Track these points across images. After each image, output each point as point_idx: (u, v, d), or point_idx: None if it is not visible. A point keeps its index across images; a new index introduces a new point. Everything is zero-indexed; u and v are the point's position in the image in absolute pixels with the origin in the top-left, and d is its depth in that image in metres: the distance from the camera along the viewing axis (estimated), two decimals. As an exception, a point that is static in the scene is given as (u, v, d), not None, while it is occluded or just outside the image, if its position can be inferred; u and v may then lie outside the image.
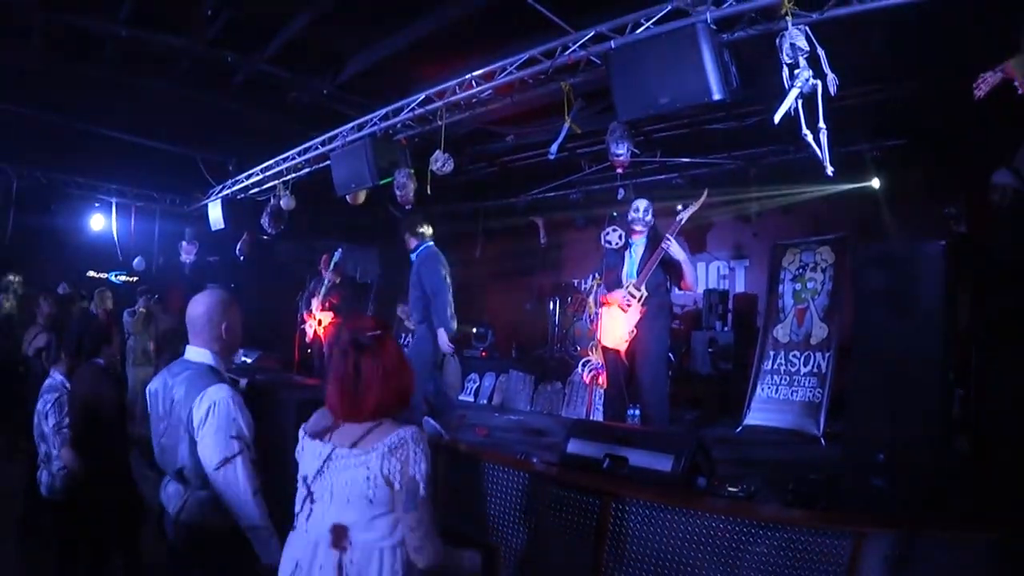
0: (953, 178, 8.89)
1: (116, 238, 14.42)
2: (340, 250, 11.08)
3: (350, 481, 2.79)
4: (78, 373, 5.25)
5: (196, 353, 3.60)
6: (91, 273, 14.55)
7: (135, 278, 14.78)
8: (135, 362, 11.29)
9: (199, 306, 3.63)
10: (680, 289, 7.54)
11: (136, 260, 14.68)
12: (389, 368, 2.95)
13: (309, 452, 2.94)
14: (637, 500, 4.57)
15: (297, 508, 2.97)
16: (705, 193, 7.52)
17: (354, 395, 2.90)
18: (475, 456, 5.67)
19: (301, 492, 2.94)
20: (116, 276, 14.94)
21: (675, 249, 7.10)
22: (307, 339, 11.58)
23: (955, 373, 5.79)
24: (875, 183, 10.42)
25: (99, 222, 14.47)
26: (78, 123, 11.52)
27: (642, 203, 7.45)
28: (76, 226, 14.39)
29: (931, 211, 9.19)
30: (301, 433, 3.04)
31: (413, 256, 8.35)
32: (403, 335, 13.65)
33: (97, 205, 14.41)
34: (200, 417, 3.31)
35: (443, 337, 8.04)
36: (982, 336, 6.31)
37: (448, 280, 8.23)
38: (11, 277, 11.80)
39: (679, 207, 7.45)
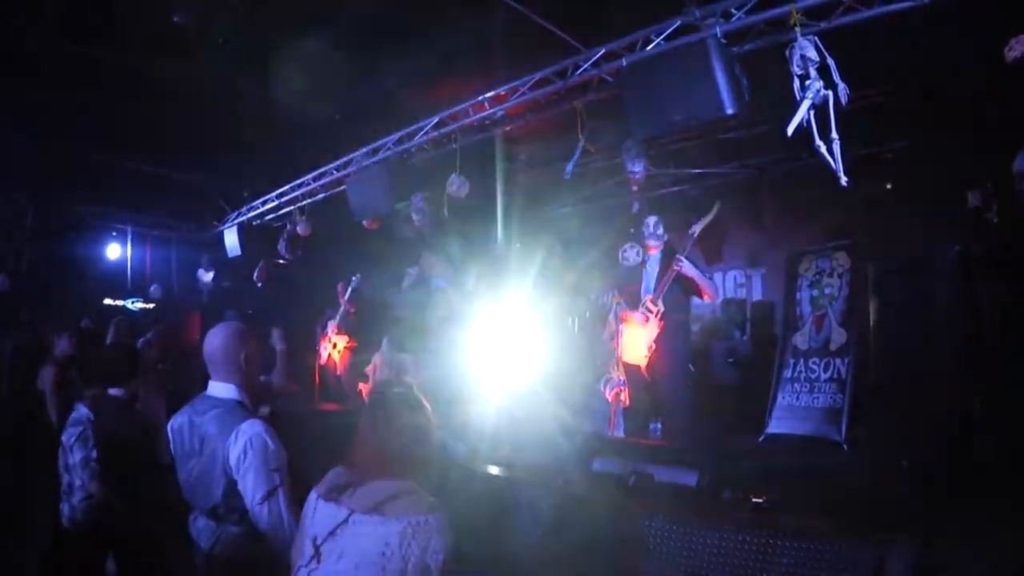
0: (971, 171, 8.84)
1: (129, 267, 14.48)
2: (357, 276, 11.12)
3: (364, 549, 2.74)
4: (101, 407, 5.30)
5: (220, 388, 3.61)
6: (107, 301, 14.60)
7: (152, 305, 14.85)
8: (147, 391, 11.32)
9: (215, 340, 3.64)
10: (701, 298, 7.56)
11: (153, 288, 14.73)
12: (420, 424, 2.98)
13: (322, 514, 2.89)
14: (664, 516, 4.59)
15: (298, 563, 2.90)
16: (716, 207, 7.55)
17: (377, 449, 2.94)
18: (501, 477, 5.70)
19: (307, 550, 2.87)
20: (133, 303, 15.00)
21: (687, 267, 7.14)
22: (321, 362, 11.63)
23: (977, 371, 5.79)
24: (888, 184, 10.36)
25: (115, 251, 14.55)
26: (91, 153, 11.58)
27: (652, 219, 7.49)
28: (92, 255, 14.47)
29: (946, 210, 9.18)
30: (314, 495, 2.99)
31: (442, 282, 8.42)
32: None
33: (114, 234, 14.49)
34: (238, 454, 3.31)
35: None
36: (1004, 332, 6.30)
37: None
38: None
39: (693, 221, 7.48)
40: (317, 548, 2.82)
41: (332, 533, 2.81)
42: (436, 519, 2.79)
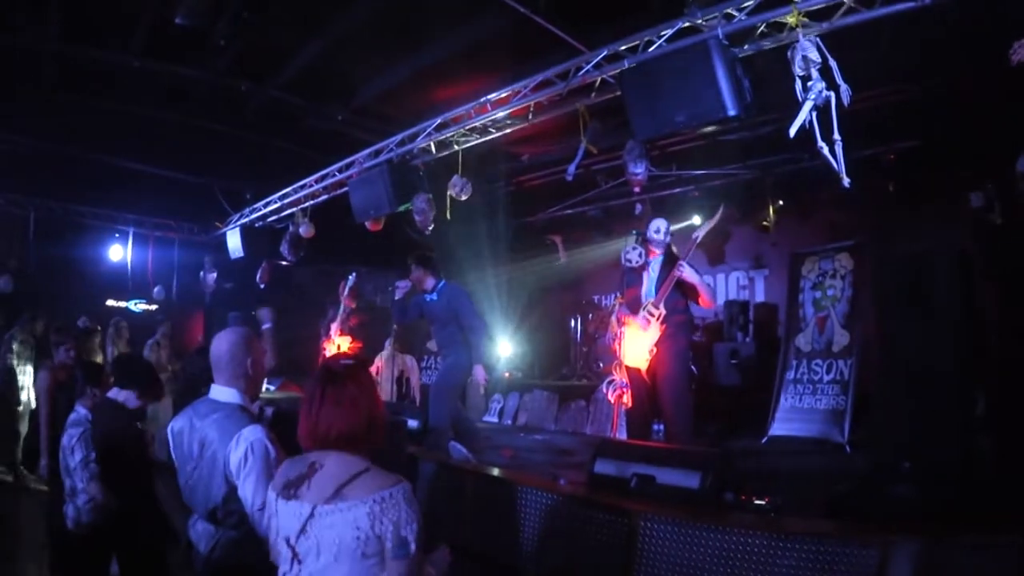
0: (973, 172, 8.81)
1: (129, 268, 14.51)
2: (354, 275, 11.09)
3: (339, 539, 2.66)
4: (100, 409, 5.31)
5: (223, 392, 3.57)
6: (110, 302, 14.60)
7: (155, 306, 14.86)
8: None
9: (222, 344, 3.60)
10: (698, 305, 7.55)
11: (156, 289, 14.75)
12: (355, 396, 2.88)
13: (285, 513, 2.79)
14: (665, 518, 4.57)
15: (283, 568, 2.81)
16: (720, 212, 7.53)
17: (317, 420, 2.83)
18: (503, 479, 5.69)
19: (285, 553, 2.78)
20: (136, 304, 15.00)
21: (688, 273, 7.10)
22: (325, 364, 11.60)
23: (978, 372, 5.77)
24: (891, 186, 10.35)
25: (117, 252, 14.54)
26: (94, 155, 11.60)
27: (661, 223, 7.44)
28: (95, 257, 14.46)
29: (949, 211, 9.17)
30: (271, 494, 2.91)
31: (434, 295, 8.31)
32: (425, 357, 13.69)
33: (116, 236, 14.49)
34: (238, 459, 3.28)
35: (481, 371, 8.11)
36: (1005, 333, 6.28)
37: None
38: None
39: (696, 221, 7.45)
40: (293, 549, 2.75)
41: (302, 531, 2.72)
42: (400, 490, 2.73)
